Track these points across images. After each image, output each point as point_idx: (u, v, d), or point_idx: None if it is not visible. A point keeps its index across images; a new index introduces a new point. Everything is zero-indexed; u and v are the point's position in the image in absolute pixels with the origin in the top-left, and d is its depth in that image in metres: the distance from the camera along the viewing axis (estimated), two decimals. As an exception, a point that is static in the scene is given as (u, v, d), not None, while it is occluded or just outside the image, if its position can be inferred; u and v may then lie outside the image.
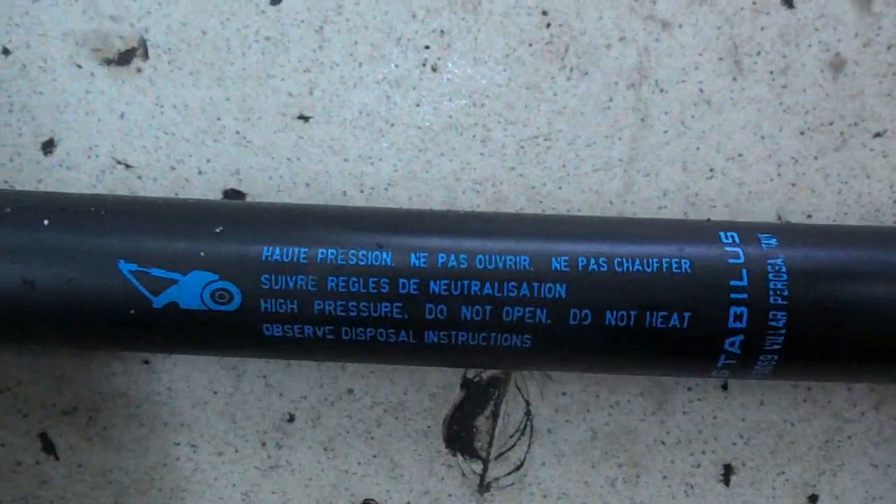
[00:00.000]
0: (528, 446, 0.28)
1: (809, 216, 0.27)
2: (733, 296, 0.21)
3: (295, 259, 0.22)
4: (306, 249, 0.22)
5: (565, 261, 0.22)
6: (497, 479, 0.28)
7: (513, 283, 0.21)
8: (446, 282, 0.21)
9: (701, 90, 0.27)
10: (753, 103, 0.27)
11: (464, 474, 0.28)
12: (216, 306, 0.22)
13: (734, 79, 0.27)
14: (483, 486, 0.28)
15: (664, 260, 0.22)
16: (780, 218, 0.27)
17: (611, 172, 0.28)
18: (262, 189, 0.28)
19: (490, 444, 0.28)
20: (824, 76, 0.27)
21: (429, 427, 0.28)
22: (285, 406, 0.28)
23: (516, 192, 0.28)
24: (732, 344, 0.22)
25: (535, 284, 0.21)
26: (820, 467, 0.28)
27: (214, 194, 0.28)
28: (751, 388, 0.28)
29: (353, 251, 0.22)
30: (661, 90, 0.27)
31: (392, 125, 0.28)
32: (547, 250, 0.22)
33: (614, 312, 0.21)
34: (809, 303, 0.21)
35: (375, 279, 0.22)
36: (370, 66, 0.28)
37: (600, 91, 0.28)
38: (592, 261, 0.22)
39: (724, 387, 0.28)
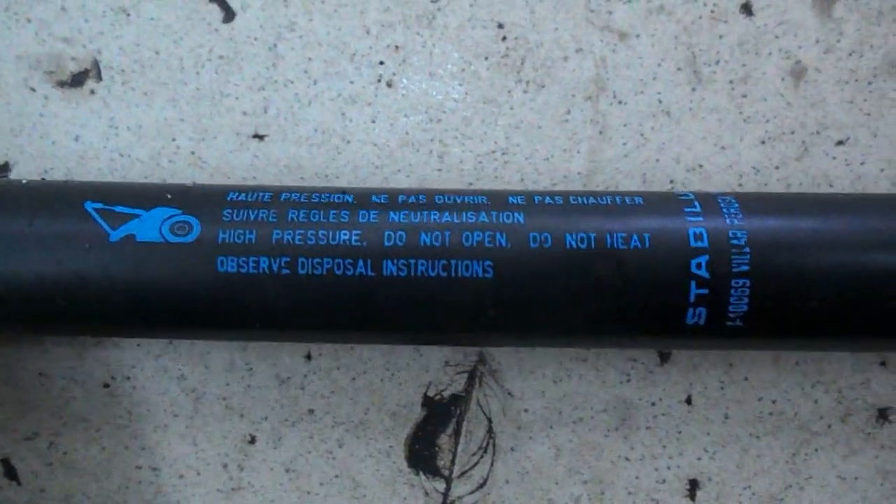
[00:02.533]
0: (491, 464, 0.28)
1: (773, 226, 0.27)
2: (690, 219, 0.22)
3: (259, 198, 0.22)
4: (271, 194, 0.23)
5: (522, 198, 0.22)
6: (460, 497, 0.28)
7: (471, 213, 0.22)
8: (406, 212, 0.22)
9: (660, 101, 0.27)
10: (713, 113, 0.27)
11: (427, 493, 0.28)
12: (173, 238, 0.22)
13: (693, 89, 0.27)
14: (447, 505, 0.28)
15: (617, 197, 0.22)
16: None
17: (570, 186, 0.27)
18: (220, 209, 0.27)
19: (453, 463, 0.28)
20: (785, 84, 0.27)
21: (391, 446, 0.28)
22: (246, 428, 0.28)
23: (475, 207, 0.27)
24: (699, 266, 0.21)
25: (494, 213, 0.22)
26: (787, 481, 0.27)
27: (171, 215, 0.27)
28: (715, 401, 0.27)
29: (316, 194, 0.22)
30: (620, 102, 0.27)
31: (348, 142, 0.27)
32: (503, 192, 0.23)
33: (574, 235, 0.21)
34: (766, 221, 0.22)
35: (336, 211, 0.22)
36: (325, 83, 0.27)
37: (558, 104, 0.27)
38: (548, 197, 0.22)
39: (688, 401, 0.27)
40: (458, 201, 0.22)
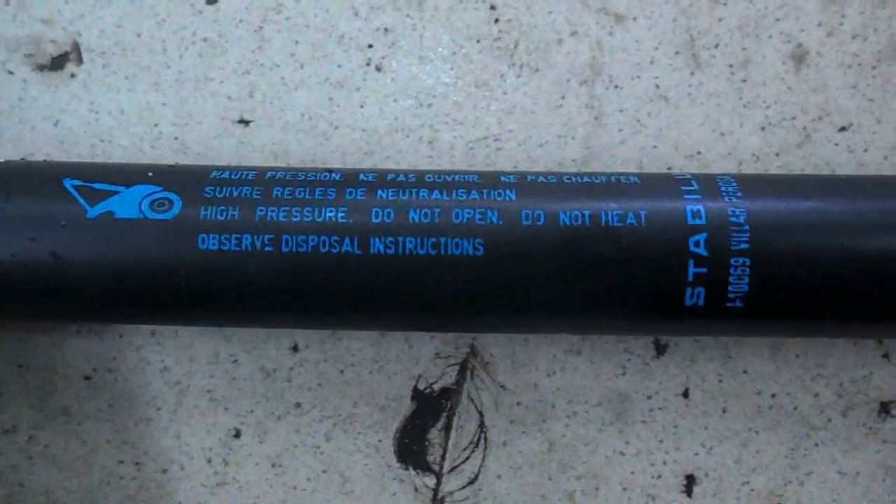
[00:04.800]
0: (483, 459, 0.27)
1: (773, 215, 0.26)
2: (687, 197, 0.21)
3: (243, 176, 0.21)
4: (255, 172, 0.22)
5: (514, 176, 0.22)
6: (451, 493, 0.27)
7: (461, 190, 0.21)
8: (394, 189, 0.21)
9: (657, 86, 0.26)
10: (712, 98, 0.26)
11: (416, 489, 0.27)
12: (153, 214, 0.21)
13: (692, 73, 0.26)
14: (437, 501, 0.27)
15: (612, 176, 0.22)
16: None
17: (564, 173, 0.26)
18: (204, 196, 0.27)
19: (443, 458, 0.27)
20: (786, 68, 0.26)
21: (379, 441, 0.27)
22: (231, 421, 0.27)
23: (467, 195, 0.26)
24: (697, 244, 0.20)
25: (485, 191, 0.21)
26: (786, 476, 0.26)
27: (154, 203, 0.27)
28: (713, 395, 0.26)
29: (302, 173, 0.22)
30: (616, 86, 0.26)
31: (336, 128, 0.26)
32: (495, 172, 0.22)
33: (568, 213, 0.20)
34: (765, 198, 0.21)
35: (322, 189, 0.21)
36: (312, 67, 0.26)
37: (552, 89, 0.26)
38: (541, 176, 0.22)
39: (685, 394, 0.26)
40: (449, 179, 0.22)
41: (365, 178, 0.22)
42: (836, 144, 0.26)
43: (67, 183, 0.21)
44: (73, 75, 0.26)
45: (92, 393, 0.27)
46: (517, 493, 0.26)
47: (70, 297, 0.22)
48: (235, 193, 0.21)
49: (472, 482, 0.26)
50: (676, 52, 0.26)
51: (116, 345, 0.26)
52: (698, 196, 0.21)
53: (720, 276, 0.20)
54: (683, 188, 0.21)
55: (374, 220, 0.21)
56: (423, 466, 0.26)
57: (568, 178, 0.22)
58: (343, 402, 0.26)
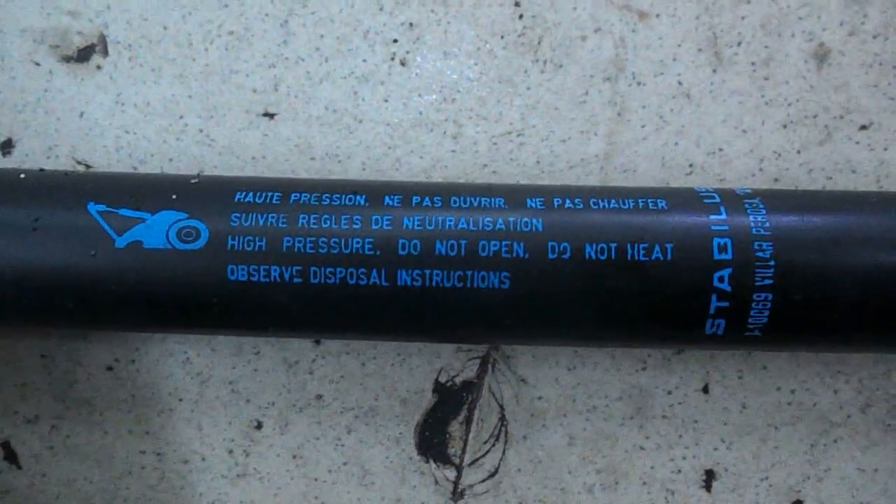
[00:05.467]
0: (503, 452, 0.27)
1: (793, 212, 0.26)
2: (715, 227, 0.21)
3: (268, 200, 0.21)
4: (280, 193, 0.21)
5: (541, 201, 0.21)
6: (471, 486, 0.27)
7: (488, 219, 0.21)
8: (420, 217, 0.21)
9: (680, 83, 0.26)
10: (734, 96, 0.26)
11: (437, 482, 0.27)
12: (181, 245, 0.21)
13: (714, 70, 0.26)
14: (457, 494, 0.27)
15: (640, 199, 0.21)
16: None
17: (587, 169, 0.26)
18: (228, 189, 0.27)
19: (463, 451, 0.27)
20: (808, 67, 0.26)
21: (400, 433, 0.27)
22: (253, 413, 0.27)
23: (489, 190, 0.26)
24: (722, 279, 0.20)
25: (511, 219, 0.21)
26: (805, 472, 0.27)
27: (178, 195, 0.27)
28: (733, 390, 0.26)
29: (326, 194, 0.21)
30: (639, 83, 0.26)
31: (360, 122, 0.27)
32: (521, 194, 0.22)
33: (594, 245, 0.20)
34: (793, 233, 0.20)
35: (348, 216, 0.21)
36: (337, 61, 0.27)
37: (575, 85, 0.26)
38: (567, 200, 0.21)
39: (705, 389, 0.26)
40: (474, 204, 0.21)
41: (390, 202, 0.21)
42: (857, 143, 0.26)
43: (92, 208, 0.21)
44: (99, 67, 0.26)
45: (114, 383, 0.27)
46: (537, 486, 0.26)
47: (103, 318, 0.22)
48: (261, 222, 0.21)
49: (492, 475, 0.27)
50: (699, 50, 0.26)
51: (139, 336, 0.27)
52: (725, 227, 0.21)
53: (741, 310, 0.21)
54: (711, 216, 0.21)
55: (401, 252, 0.21)
56: (444, 459, 0.27)
57: (595, 202, 0.21)
58: (365, 395, 0.26)
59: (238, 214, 0.21)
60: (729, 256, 0.20)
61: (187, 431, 0.27)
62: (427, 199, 0.21)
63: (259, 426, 0.27)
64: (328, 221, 0.21)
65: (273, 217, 0.21)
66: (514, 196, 0.21)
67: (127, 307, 0.22)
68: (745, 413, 0.26)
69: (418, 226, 0.21)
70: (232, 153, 0.26)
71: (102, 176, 0.23)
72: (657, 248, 0.20)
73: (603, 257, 0.20)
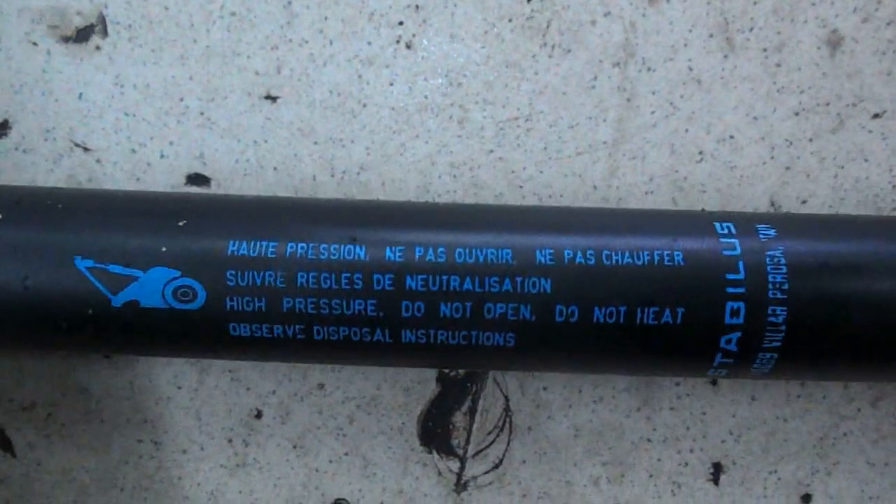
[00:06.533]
0: (508, 444, 0.26)
1: (804, 201, 0.26)
2: (730, 290, 0.19)
3: (263, 253, 0.20)
4: (275, 243, 0.20)
5: (550, 254, 0.20)
6: (475, 477, 0.27)
7: (494, 278, 0.19)
8: (423, 277, 0.20)
9: (690, 68, 0.26)
10: (745, 82, 0.26)
11: (440, 473, 0.27)
12: (179, 304, 0.20)
13: (725, 56, 0.26)
14: (460, 486, 0.27)
15: (655, 252, 0.20)
16: (773, 204, 0.26)
17: (595, 155, 0.26)
18: (228, 173, 0.26)
19: (467, 442, 0.26)
20: (821, 54, 0.26)
21: (403, 423, 0.26)
22: (253, 401, 0.26)
23: (495, 176, 0.26)
24: (729, 341, 0.20)
25: (519, 279, 0.19)
26: (814, 466, 0.26)
27: (177, 178, 0.26)
28: (742, 383, 0.26)
29: (324, 245, 0.20)
30: (649, 69, 0.26)
31: (364, 106, 0.26)
32: (530, 242, 0.20)
33: (603, 309, 0.19)
34: (811, 297, 0.19)
35: (349, 274, 0.20)
36: (341, 44, 0.26)
37: (584, 70, 0.26)
38: (579, 253, 0.20)
39: (714, 382, 0.26)
40: (480, 262, 0.20)
41: (391, 257, 0.20)
42: (870, 131, 0.25)
43: (80, 264, 0.20)
44: (98, 48, 0.26)
45: (111, 371, 0.26)
46: (542, 478, 0.26)
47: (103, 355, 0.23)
48: (258, 281, 0.20)
49: (496, 467, 0.26)
50: (710, 35, 0.25)
51: (137, 322, 0.26)
52: (742, 289, 0.20)
53: (745, 364, 0.20)
54: (728, 276, 0.20)
55: (404, 314, 0.20)
56: (447, 450, 0.26)
57: (608, 258, 0.20)
58: (367, 384, 0.26)
59: (233, 272, 0.20)
60: (740, 321, 0.20)
61: (186, 420, 0.26)
62: (430, 251, 0.20)
63: (259, 415, 0.26)
64: (328, 281, 0.20)
65: (270, 276, 0.20)
66: (523, 248, 0.20)
67: (124, 351, 0.23)
68: (754, 405, 0.26)
69: (421, 286, 0.20)
70: (233, 136, 0.26)
71: (83, 216, 0.21)
72: (668, 312, 0.20)
73: (612, 321, 0.20)
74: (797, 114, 0.25)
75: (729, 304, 0.19)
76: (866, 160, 0.25)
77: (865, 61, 0.25)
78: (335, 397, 0.26)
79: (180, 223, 0.20)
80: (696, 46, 0.25)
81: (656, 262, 0.20)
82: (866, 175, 0.25)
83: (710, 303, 0.19)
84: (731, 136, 0.25)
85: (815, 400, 0.25)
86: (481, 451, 0.26)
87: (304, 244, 0.20)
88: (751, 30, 0.25)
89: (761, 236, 0.20)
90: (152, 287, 0.20)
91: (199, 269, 0.20)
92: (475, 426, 0.26)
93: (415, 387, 0.26)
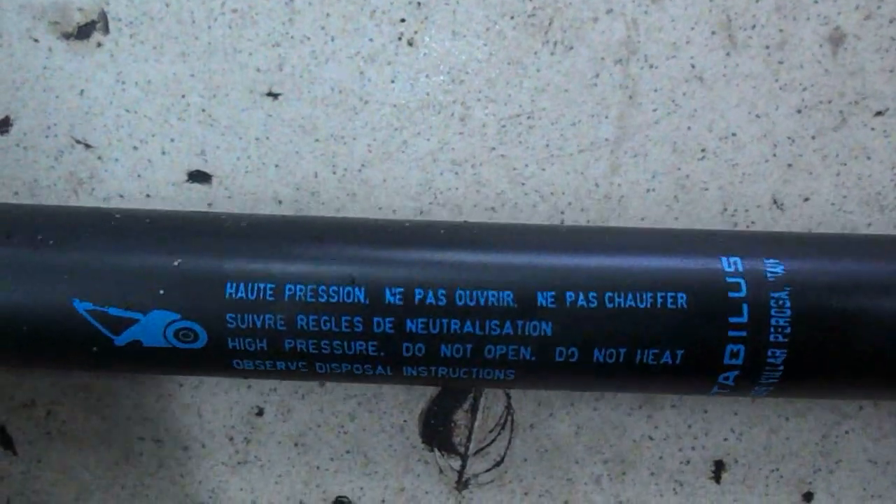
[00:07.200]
0: (509, 441, 0.26)
1: (807, 199, 0.25)
2: (731, 333, 0.19)
3: (261, 296, 0.20)
4: (273, 285, 0.20)
5: (552, 296, 0.19)
6: (476, 475, 0.26)
7: (495, 322, 0.19)
8: (424, 320, 0.19)
9: (693, 66, 0.26)
10: (748, 80, 0.26)
11: (441, 470, 0.27)
12: (182, 345, 0.20)
13: (728, 54, 0.26)
14: (461, 483, 0.26)
15: (659, 294, 0.19)
16: (775, 201, 0.26)
17: (597, 153, 0.26)
18: (229, 170, 0.26)
19: (469, 439, 0.26)
20: (823, 51, 0.26)
21: (404, 421, 0.26)
22: (254, 399, 0.26)
23: (497, 173, 0.26)
24: (727, 378, 0.20)
25: (520, 322, 0.19)
26: (816, 464, 0.26)
27: (179, 176, 0.26)
28: (744, 380, 0.26)
29: (323, 287, 0.20)
30: (651, 66, 0.26)
31: (366, 103, 0.26)
32: (532, 284, 0.20)
33: (603, 350, 0.19)
34: (811, 341, 0.20)
35: (349, 317, 0.20)
36: (343, 41, 0.26)
37: (586, 67, 0.26)
38: (581, 296, 0.19)
39: (716, 379, 0.26)
40: (481, 304, 0.19)
41: (391, 300, 0.20)
42: (873, 129, 0.25)
43: (79, 307, 0.20)
44: (99, 44, 0.26)
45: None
46: (543, 476, 0.26)
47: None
48: (258, 324, 0.20)
49: (497, 464, 0.26)
50: (713, 33, 0.25)
51: (138, 320, 0.26)
52: (743, 332, 0.19)
53: (742, 391, 0.21)
54: (731, 320, 0.19)
55: (405, 353, 0.20)
56: (449, 448, 0.26)
57: (611, 301, 0.19)
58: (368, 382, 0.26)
59: (233, 315, 0.20)
60: (739, 362, 0.20)
61: (187, 417, 0.26)
62: (430, 295, 0.20)
63: (260, 413, 0.26)
64: (328, 324, 0.20)
65: (270, 319, 0.20)
66: (524, 291, 0.20)
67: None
68: (756, 403, 0.25)
69: (422, 330, 0.20)
70: (234, 133, 0.26)
71: (76, 255, 0.20)
72: (668, 354, 0.20)
73: (611, 361, 0.20)
74: (799, 111, 0.25)
75: (729, 347, 0.20)
76: (869, 158, 0.25)
77: (868, 59, 0.25)
78: (336, 395, 0.26)
79: (175, 263, 0.20)
80: (698, 44, 0.25)
81: (659, 305, 0.20)
82: (869, 173, 0.25)
83: (711, 345, 0.20)
84: (734, 134, 0.25)
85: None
86: (483, 448, 0.26)
87: (302, 286, 0.20)
88: (753, 27, 0.25)
89: (768, 275, 0.20)
90: (154, 329, 0.20)
91: (199, 312, 0.20)
92: (476, 424, 0.26)
93: (416, 385, 0.26)
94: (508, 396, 0.26)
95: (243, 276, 0.20)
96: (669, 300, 0.19)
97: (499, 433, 0.26)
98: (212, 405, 0.26)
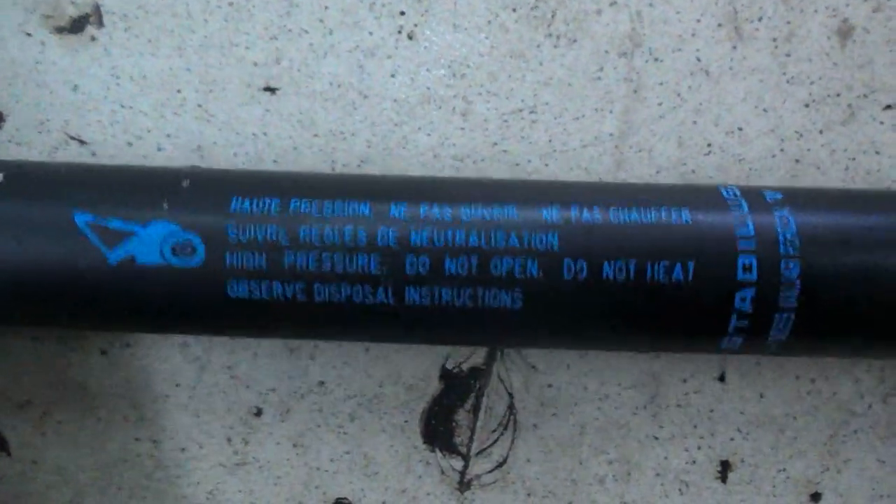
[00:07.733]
0: (512, 441, 0.26)
1: (814, 195, 0.25)
2: (742, 245, 0.19)
3: (266, 209, 0.19)
4: (278, 199, 0.20)
5: (557, 211, 0.19)
6: (478, 476, 0.26)
7: (501, 233, 0.19)
8: (428, 232, 0.19)
9: (698, 59, 0.25)
10: (755, 73, 0.25)
11: (443, 471, 0.26)
12: (177, 261, 0.19)
13: (734, 47, 0.25)
14: (463, 484, 0.26)
15: (663, 209, 0.19)
16: (782, 197, 0.25)
17: (601, 148, 0.25)
18: (227, 166, 0.25)
19: (471, 440, 0.26)
20: (831, 44, 0.25)
21: (405, 421, 0.26)
22: (252, 399, 0.26)
23: (499, 168, 0.25)
24: (744, 300, 0.19)
25: (526, 234, 0.19)
26: (824, 463, 0.26)
27: (175, 172, 0.26)
28: (750, 379, 0.25)
29: (328, 201, 0.20)
30: (656, 59, 0.25)
31: (365, 97, 0.25)
32: (536, 201, 0.20)
33: (612, 264, 0.19)
34: (824, 250, 0.19)
35: (352, 230, 0.19)
36: (342, 34, 0.25)
37: (590, 60, 0.25)
38: (586, 211, 0.19)
39: (722, 378, 0.25)
40: (486, 216, 0.19)
41: (396, 214, 0.20)
42: (882, 123, 0.25)
43: (79, 219, 0.20)
44: (93, 38, 0.25)
45: (108, 368, 0.26)
46: (547, 477, 0.25)
47: (98, 327, 0.22)
48: (260, 236, 0.19)
49: (500, 465, 0.26)
50: (719, 25, 0.25)
51: (134, 319, 0.26)
52: (753, 243, 0.19)
53: (761, 328, 0.19)
54: (738, 233, 0.19)
55: (408, 270, 0.19)
56: (450, 448, 0.26)
57: (615, 216, 0.19)
58: (368, 381, 0.25)
59: (234, 227, 0.19)
60: (753, 277, 0.19)
61: (184, 418, 0.26)
62: (436, 208, 0.20)
63: (259, 413, 0.26)
64: (331, 236, 0.19)
65: (273, 230, 0.19)
66: (528, 204, 0.20)
67: (121, 319, 0.21)
68: (763, 402, 0.25)
69: (427, 242, 0.19)
70: (231, 129, 0.25)
71: (86, 176, 0.21)
72: (679, 267, 0.19)
73: (622, 277, 0.19)
74: (807, 105, 0.25)
75: (741, 260, 0.19)
76: (878, 152, 0.25)
77: (876, 51, 0.25)
78: (336, 395, 0.25)
79: (184, 183, 0.20)
80: (704, 36, 0.25)
81: (664, 218, 0.19)
82: (878, 167, 0.25)
83: (722, 257, 0.19)
84: (740, 128, 0.25)
85: (825, 396, 0.25)
86: (485, 449, 0.25)
87: (307, 200, 0.20)
88: (760, 19, 0.25)
89: (768, 199, 0.20)
90: (151, 242, 0.20)
91: (200, 223, 0.20)
92: (479, 424, 0.25)
93: (418, 384, 0.25)
94: (511, 395, 0.25)
95: (250, 192, 0.20)
96: (674, 216, 0.20)
97: (501, 433, 0.25)
98: (209, 405, 0.26)
